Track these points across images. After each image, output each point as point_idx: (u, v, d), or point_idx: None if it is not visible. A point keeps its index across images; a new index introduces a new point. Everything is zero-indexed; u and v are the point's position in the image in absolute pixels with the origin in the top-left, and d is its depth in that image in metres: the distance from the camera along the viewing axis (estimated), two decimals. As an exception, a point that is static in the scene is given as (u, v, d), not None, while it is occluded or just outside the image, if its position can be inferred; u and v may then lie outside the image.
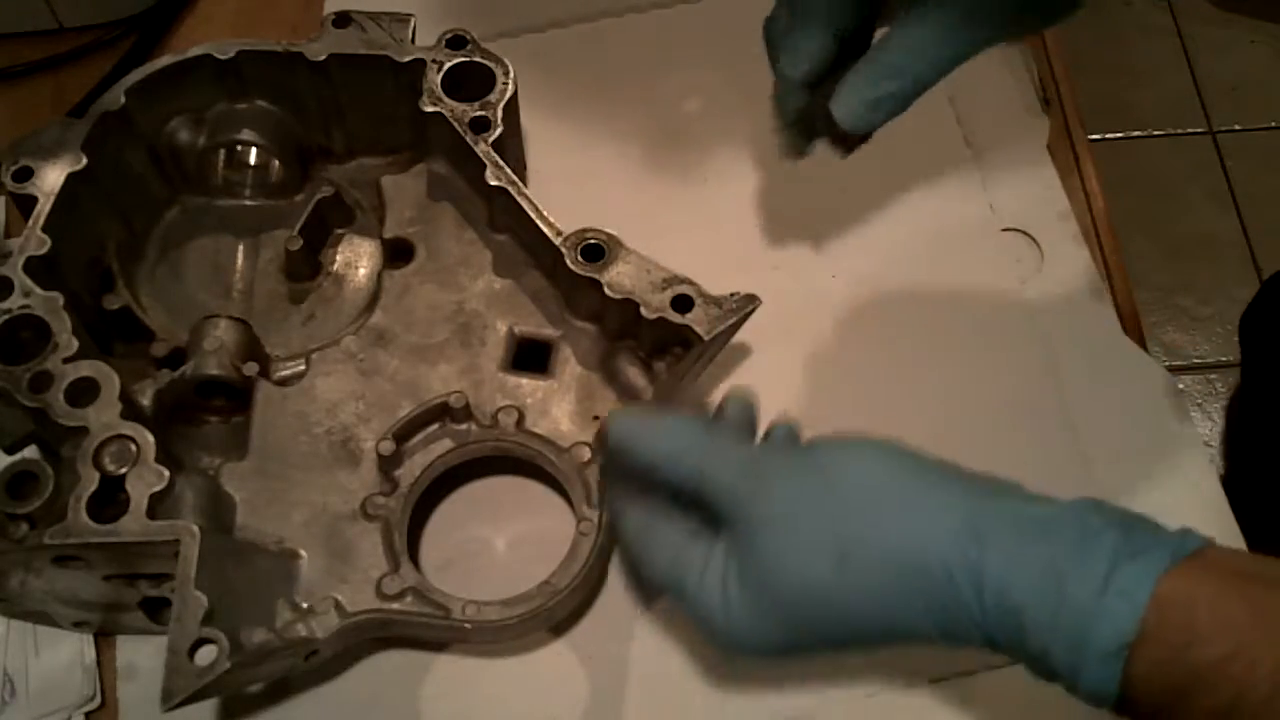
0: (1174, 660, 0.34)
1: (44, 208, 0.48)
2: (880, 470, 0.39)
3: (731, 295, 0.48)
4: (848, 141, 0.49)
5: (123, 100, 0.51)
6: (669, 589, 0.43)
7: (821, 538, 0.38)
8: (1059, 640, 0.35)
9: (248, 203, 0.55)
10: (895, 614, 0.38)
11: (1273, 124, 1.48)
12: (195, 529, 0.42)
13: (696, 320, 0.47)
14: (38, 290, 0.46)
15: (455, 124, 0.51)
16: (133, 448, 0.43)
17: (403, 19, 0.54)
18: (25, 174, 0.48)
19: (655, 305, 0.48)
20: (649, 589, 0.49)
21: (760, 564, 0.40)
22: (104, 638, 0.49)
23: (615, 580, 0.50)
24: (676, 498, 0.43)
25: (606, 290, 0.48)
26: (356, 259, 0.54)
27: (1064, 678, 0.36)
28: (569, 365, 0.51)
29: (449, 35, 0.53)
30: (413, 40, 0.53)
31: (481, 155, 0.51)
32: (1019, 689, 0.48)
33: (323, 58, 0.52)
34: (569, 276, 0.49)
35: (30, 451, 0.47)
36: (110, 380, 0.45)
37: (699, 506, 0.43)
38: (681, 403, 0.53)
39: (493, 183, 0.51)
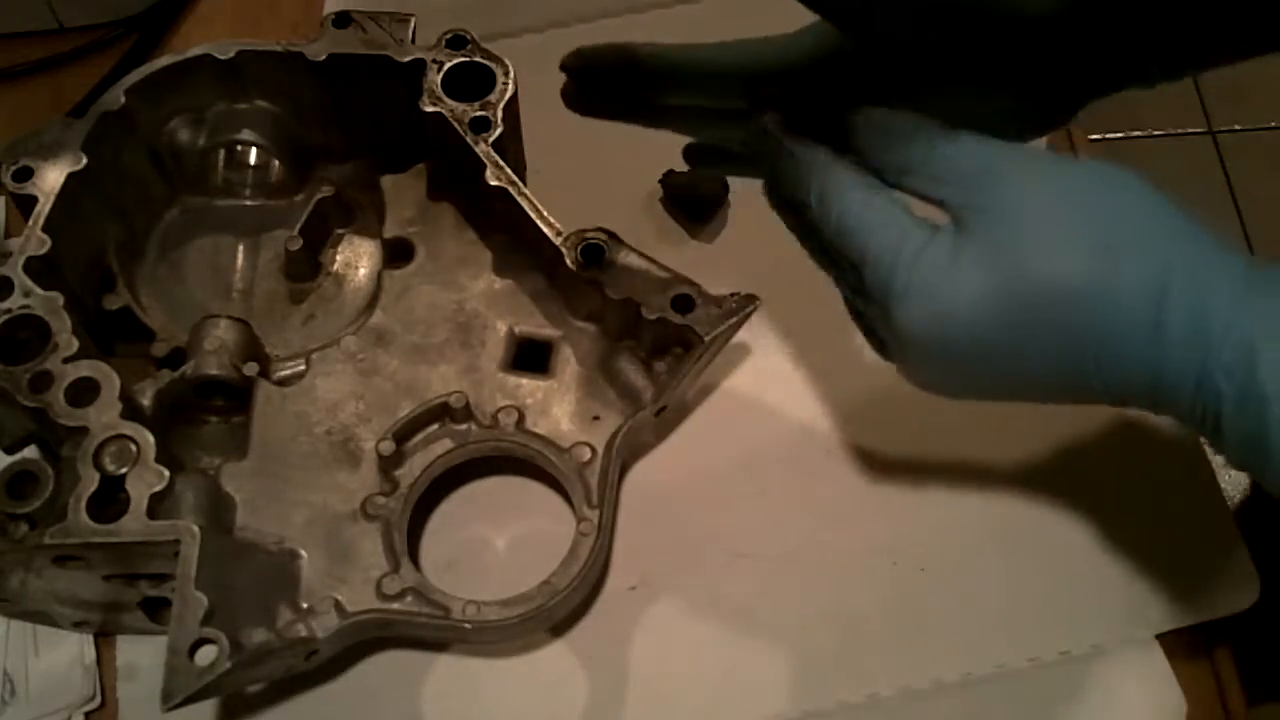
0: None
1: (44, 208, 0.48)
2: (1147, 191, 0.37)
3: (731, 295, 0.48)
4: None
5: (123, 100, 0.51)
6: (887, 251, 0.38)
7: (1086, 238, 0.36)
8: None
9: (248, 203, 0.55)
10: (1139, 338, 0.35)
11: (1273, 124, 1.48)
12: (195, 529, 0.42)
13: (697, 321, 0.47)
14: (38, 290, 0.46)
15: (455, 124, 0.51)
16: (133, 448, 0.43)
17: (403, 19, 0.54)
18: (25, 174, 0.48)
19: (655, 305, 0.48)
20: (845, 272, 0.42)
21: (1004, 244, 0.36)
22: (104, 638, 0.49)
23: (615, 580, 0.50)
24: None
25: (606, 290, 0.48)
26: (356, 259, 0.54)
27: (1275, 435, 0.34)
28: (569, 365, 0.51)
29: (449, 35, 0.53)
30: (413, 40, 0.53)
31: (481, 155, 0.51)
32: (1020, 690, 0.48)
33: (323, 58, 0.52)
34: (569, 276, 0.49)
35: (30, 451, 0.47)
36: (110, 380, 0.45)
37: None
38: (682, 404, 0.53)
39: (493, 183, 0.51)
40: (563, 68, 0.47)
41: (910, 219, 0.38)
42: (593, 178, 0.60)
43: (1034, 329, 0.36)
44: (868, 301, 0.40)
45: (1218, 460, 0.54)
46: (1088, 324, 0.36)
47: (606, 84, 0.47)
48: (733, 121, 0.46)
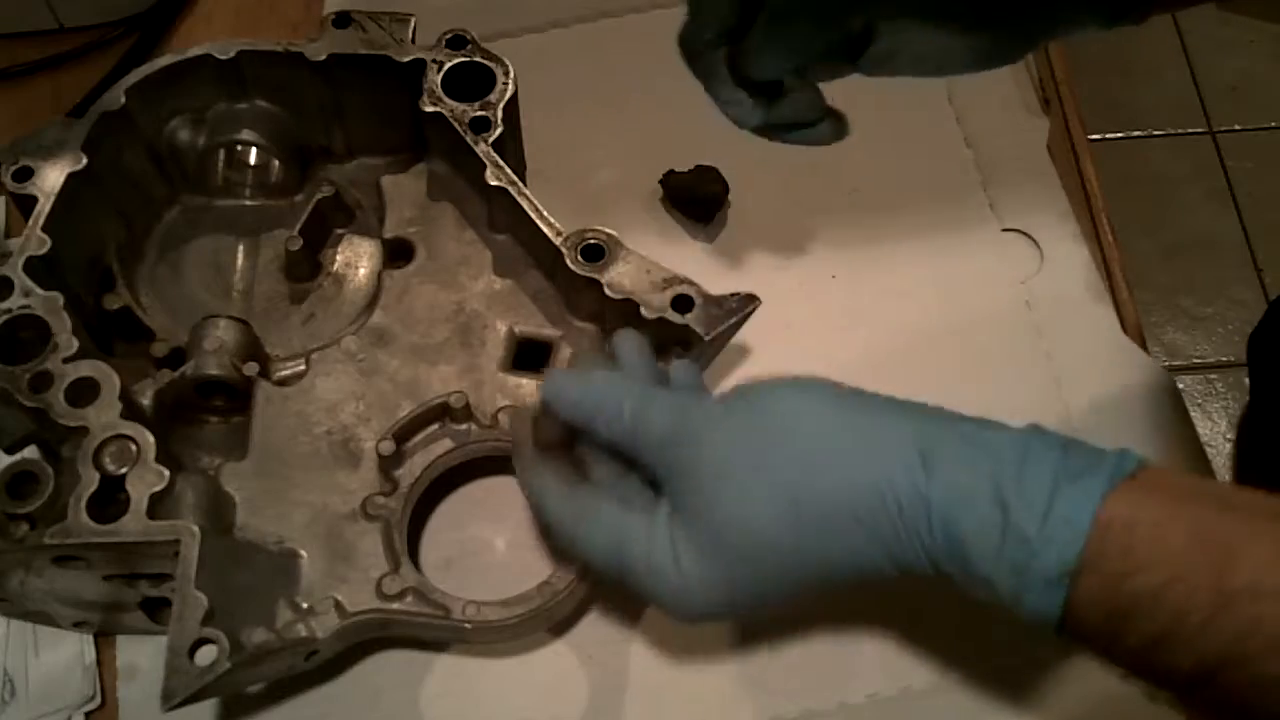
0: (1114, 586, 0.34)
1: (44, 208, 0.48)
2: (822, 409, 0.39)
3: (731, 295, 0.48)
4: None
5: (123, 100, 0.51)
6: (613, 570, 0.42)
7: (771, 486, 0.38)
8: (1003, 568, 0.35)
9: (248, 203, 0.55)
10: (852, 552, 0.38)
11: (1273, 124, 1.48)
12: (195, 529, 0.42)
13: (697, 320, 0.48)
14: (38, 290, 0.46)
15: (455, 124, 0.51)
16: (133, 448, 0.43)
17: (403, 19, 0.54)
18: (25, 174, 0.48)
19: (655, 305, 0.48)
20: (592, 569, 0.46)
21: (710, 522, 0.39)
22: (104, 638, 0.49)
23: (615, 580, 0.50)
24: (607, 462, 0.43)
25: (606, 290, 0.48)
26: (356, 259, 0.54)
27: (1008, 604, 0.36)
28: (569, 365, 0.51)
29: (449, 35, 0.53)
30: (413, 40, 0.53)
31: (481, 155, 0.51)
32: (1020, 686, 0.48)
33: (323, 58, 0.52)
34: (569, 276, 0.49)
35: (30, 451, 0.47)
36: (110, 380, 0.45)
37: (632, 468, 0.42)
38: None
39: (493, 183, 0.51)
40: None
41: (620, 521, 0.41)
42: (593, 178, 0.60)
43: (763, 581, 0.39)
44: None
45: (1219, 462, 0.54)
46: (797, 565, 0.39)
47: None
48: None
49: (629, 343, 0.46)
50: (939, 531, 0.36)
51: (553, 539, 0.46)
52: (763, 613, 0.45)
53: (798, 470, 0.38)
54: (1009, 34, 0.44)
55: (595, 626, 0.49)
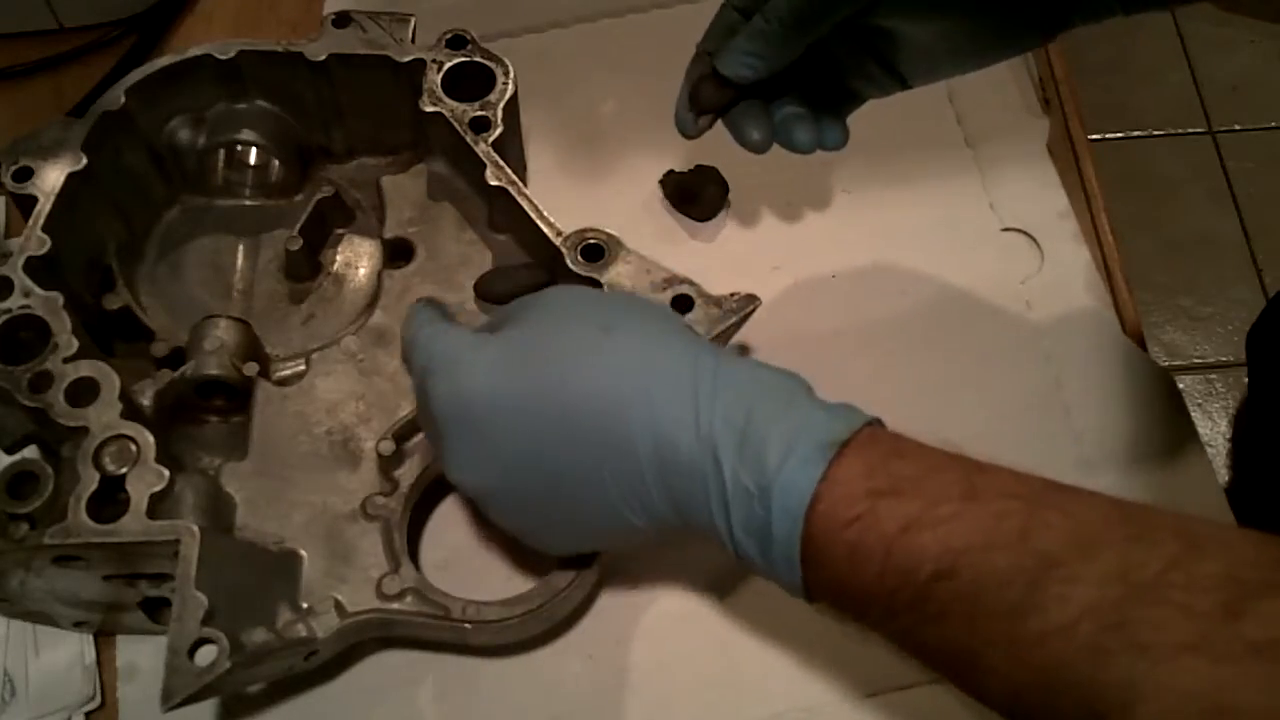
0: (872, 470, 0.36)
1: (44, 208, 0.48)
2: (586, 310, 0.43)
3: (731, 295, 0.48)
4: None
5: (123, 100, 0.51)
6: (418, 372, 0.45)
7: (530, 382, 0.40)
8: (748, 528, 0.37)
9: (248, 203, 0.55)
10: (592, 469, 0.39)
11: (1273, 124, 1.48)
12: (195, 529, 0.42)
13: (697, 320, 0.47)
14: (38, 290, 0.46)
15: (455, 124, 0.51)
16: (133, 448, 0.43)
17: (403, 19, 0.54)
18: (25, 174, 0.48)
19: (655, 305, 0.48)
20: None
21: (519, 339, 0.42)
22: (104, 638, 0.49)
23: (615, 580, 0.50)
24: None
25: (606, 290, 0.48)
26: (356, 259, 0.54)
27: (755, 554, 0.37)
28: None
29: (449, 35, 0.53)
30: (413, 40, 0.53)
31: (481, 155, 0.51)
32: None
33: (323, 58, 0.52)
34: (569, 276, 0.49)
35: (30, 451, 0.47)
36: (110, 380, 0.45)
37: None
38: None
39: (493, 183, 0.51)
40: None
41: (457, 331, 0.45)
42: (593, 178, 0.60)
43: (512, 495, 0.42)
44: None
45: (1219, 461, 0.54)
46: (538, 452, 0.40)
47: None
48: None
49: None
50: (686, 461, 0.38)
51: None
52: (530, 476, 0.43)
53: (555, 371, 0.40)
54: (1023, 21, 0.44)
55: (595, 626, 0.49)
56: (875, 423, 0.39)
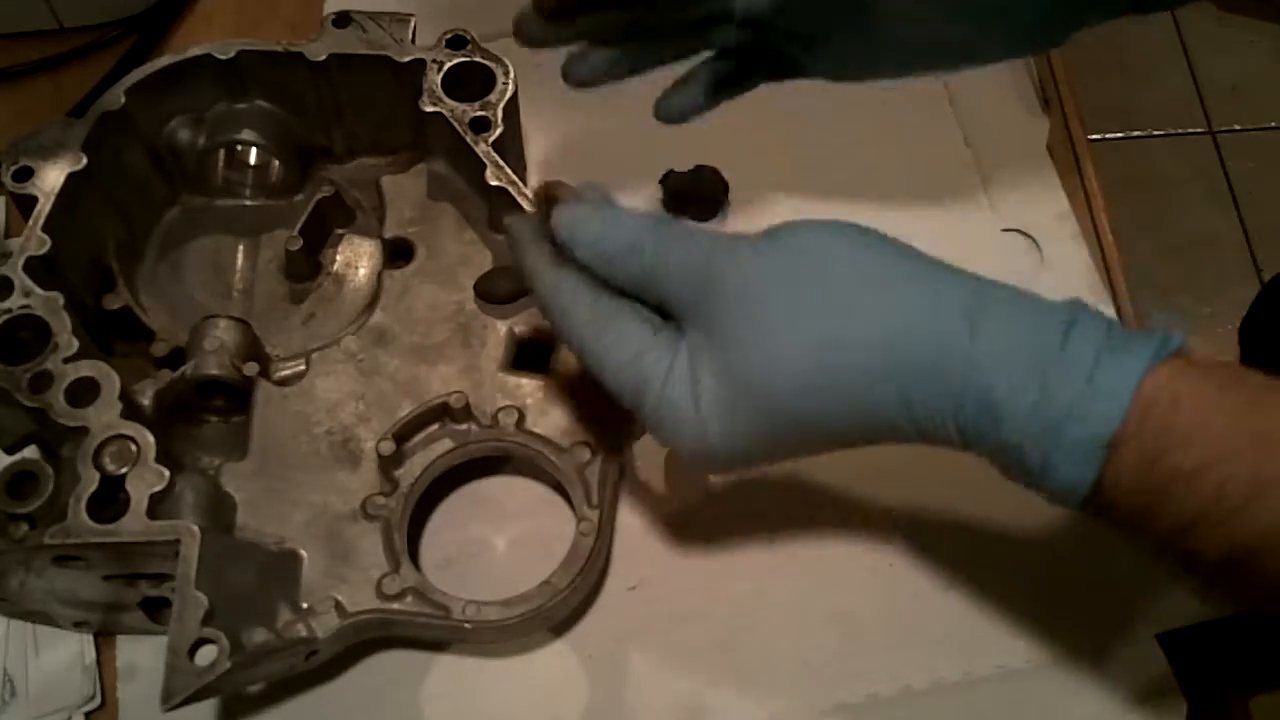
0: (1150, 463, 0.33)
1: (44, 208, 0.48)
2: (860, 253, 0.38)
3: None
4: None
5: (123, 100, 0.51)
6: (629, 393, 0.39)
7: (803, 322, 0.36)
8: (1036, 434, 0.34)
9: (248, 203, 0.55)
10: (875, 405, 0.36)
11: (1273, 124, 1.48)
12: (195, 529, 0.42)
13: (696, 320, 0.47)
14: (38, 290, 0.46)
15: (455, 124, 0.51)
16: (133, 448, 0.43)
17: (403, 19, 0.54)
18: (25, 174, 0.48)
19: (655, 305, 0.48)
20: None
21: (734, 365, 0.37)
22: (104, 638, 0.49)
23: (615, 580, 0.50)
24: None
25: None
26: (356, 259, 0.54)
27: (1034, 474, 0.35)
28: (569, 365, 0.51)
29: (449, 35, 0.53)
30: (413, 40, 0.53)
31: (481, 155, 0.51)
32: (1020, 690, 0.48)
33: (323, 58, 0.52)
34: (569, 276, 0.49)
35: (30, 451, 0.47)
36: (110, 380, 0.45)
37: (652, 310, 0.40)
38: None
39: (493, 183, 0.51)
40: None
41: (646, 341, 0.39)
42: (593, 178, 0.60)
43: (783, 424, 0.38)
44: None
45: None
46: (818, 411, 0.37)
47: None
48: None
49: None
50: (973, 391, 0.35)
51: (571, 348, 0.42)
52: (773, 462, 0.41)
53: (830, 315, 0.36)
54: (1036, 22, 0.43)
55: (595, 626, 0.49)
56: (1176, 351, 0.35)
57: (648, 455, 0.53)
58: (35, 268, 0.46)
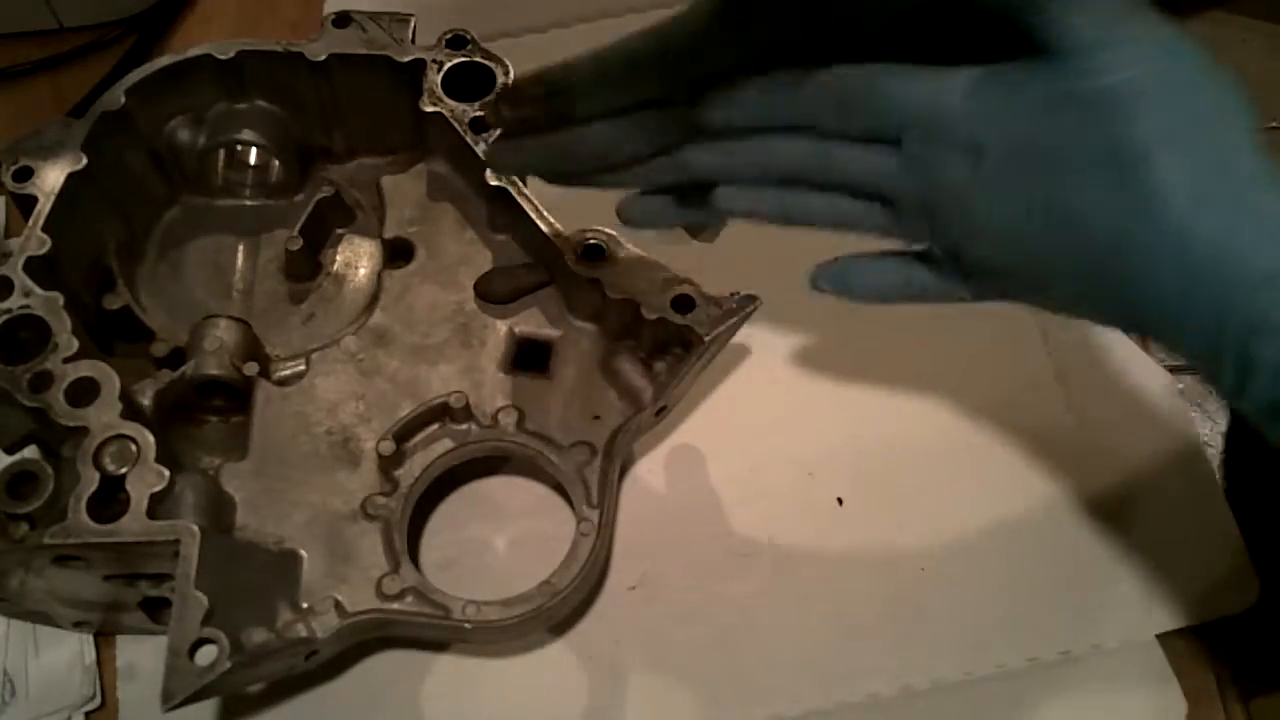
0: None
1: (44, 208, 0.48)
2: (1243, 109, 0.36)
3: (732, 295, 0.48)
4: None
5: (123, 100, 0.51)
6: (973, 126, 0.35)
7: (1167, 111, 0.33)
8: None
9: (248, 203, 0.55)
10: (1169, 244, 0.32)
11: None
12: (195, 529, 0.42)
13: (697, 320, 0.47)
14: (38, 290, 0.46)
15: (455, 124, 0.51)
16: (133, 448, 0.43)
17: (403, 19, 0.54)
18: (25, 174, 0.48)
19: (655, 305, 0.48)
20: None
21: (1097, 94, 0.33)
22: (104, 638, 0.49)
23: (615, 580, 0.50)
24: None
25: (606, 290, 0.48)
26: (356, 259, 0.54)
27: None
28: (569, 365, 0.51)
29: (449, 35, 0.53)
30: (413, 40, 0.53)
31: (482, 155, 0.51)
32: (1020, 690, 0.48)
33: (323, 58, 0.52)
34: (569, 276, 0.49)
35: (30, 451, 0.47)
36: (110, 380, 0.45)
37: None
38: (682, 404, 0.53)
39: (493, 183, 0.51)
40: (499, 123, 0.42)
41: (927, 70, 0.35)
42: (593, 178, 0.60)
43: (1075, 172, 0.33)
44: (908, 169, 0.37)
45: (1219, 461, 0.54)
46: (1120, 205, 0.33)
47: (530, 120, 0.40)
48: (661, 123, 0.40)
49: None
50: (1266, 293, 0.31)
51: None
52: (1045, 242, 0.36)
53: (1184, 128, 0.34)
54: None
55: (595, 626, 0.49)
56: None
57: (648, 455, 0.53)
58: (35, 268, 0.46)
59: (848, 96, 0.37)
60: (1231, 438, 0.55)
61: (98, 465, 0.43)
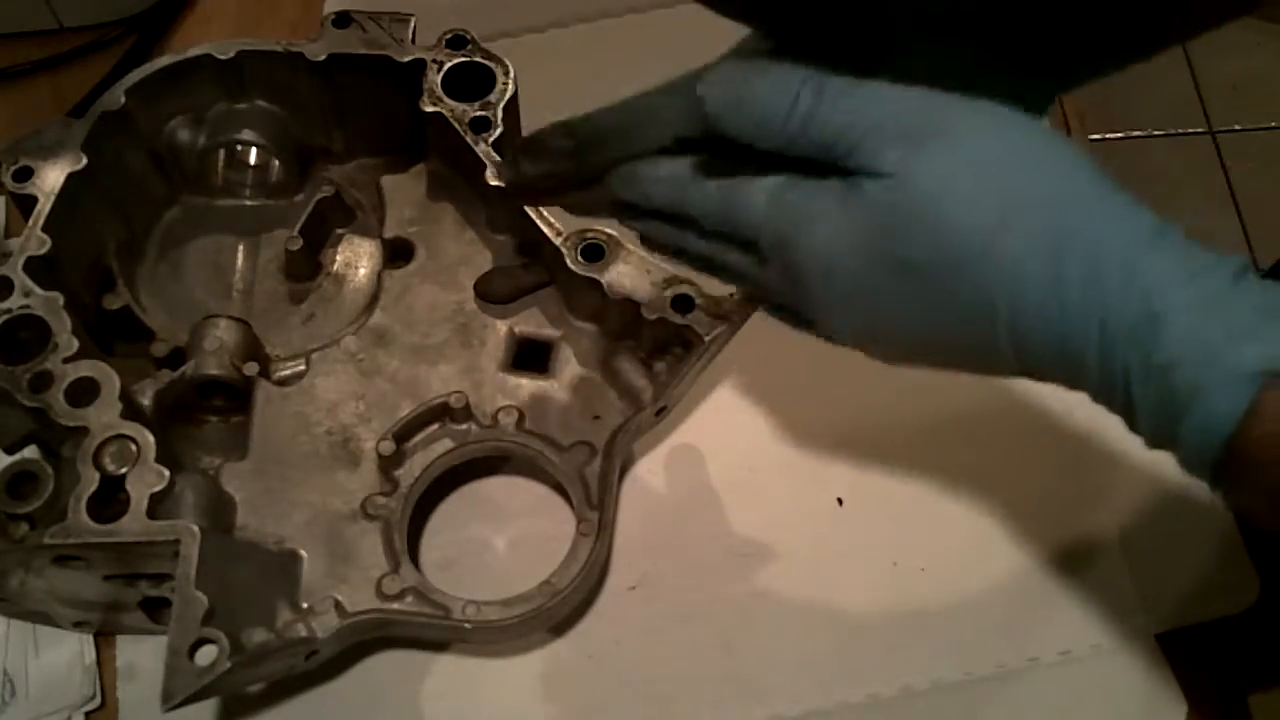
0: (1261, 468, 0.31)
1: (44, 208, 0.48)
2: (1072, 150, 0.36)
3: (731, 295, 0.48)
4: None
5: (123, 100, 0.51)
6: (781, 242, 0.37)
7: (989, 192, 0.34)
8: (1191, 351, 0.32)
9: (248, 203, 0.55)
10: (1047, 291, 0.34)
11: (1273, 124, 1.48)
12: (195, 529, 0.42)
13: (697, 321, 0.47)
14: (38, 290, 0.46)
15: (455, 124, 0.51)
16: (133, 448, 0.43)
17: (403, 19, 0.54)
18: (25, 174, 0.48)
19: (655, 305, 0.48)
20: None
21: (916, 202, 0.34)
22: (104, 638, 0.49)
23: (615, 580, 0.50)
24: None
25: (606, 290, 0.48)
26: (356, 259, 0.54)
27: (1180, 401, 0.32)
28: (569, 365, 0.51)
29: (449, 35, 0.53)
30: (413, 40, 0.53)
31: (481, 155, 0.51)
32: (1021, 690, 0.48)
33: (323, 58, 0.52)
34: (569, 276, 0.49)
35: (30, 451, 0.47)
36: (110, 380, 0.45)
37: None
38: (682, 404, 0.53)
39: (493, 183, 0.51)
40: (513, 177, 0.42)
41: (785, 183, 0.37)
42: (593, 178, 0.60)
43: (941, 290, 0.35)
44: (766, 268, 0.39)
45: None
46: (984, 284, 0.34)
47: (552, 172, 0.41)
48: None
49: None
50: (1134, 294, 0.33)
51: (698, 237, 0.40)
52: (913, 341, 0.38)
53: (1026, 181, 0.35)
54: (1039, 79, 0.41)
55: (595, 626, 0.49)
56: None
57: (648, 455, 0.53)
58: (35, 268, 0.46)
59: (714, 206, 0.39)
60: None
61: (98, 465, 0.43)
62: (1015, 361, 0.36)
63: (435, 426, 0.50)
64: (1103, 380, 0.35)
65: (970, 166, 0.35)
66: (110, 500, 0.43)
